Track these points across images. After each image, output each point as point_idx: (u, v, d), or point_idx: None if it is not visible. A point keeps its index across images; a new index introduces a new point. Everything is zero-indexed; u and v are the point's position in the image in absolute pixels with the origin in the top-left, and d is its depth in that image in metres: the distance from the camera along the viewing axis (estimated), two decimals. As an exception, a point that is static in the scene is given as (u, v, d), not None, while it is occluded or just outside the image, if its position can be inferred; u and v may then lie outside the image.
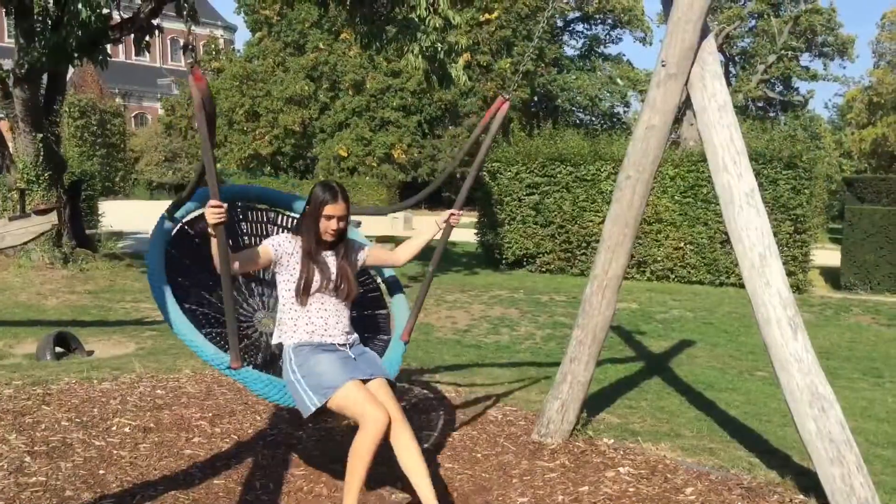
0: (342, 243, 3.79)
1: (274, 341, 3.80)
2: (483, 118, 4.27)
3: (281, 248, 3.69)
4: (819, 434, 3.81)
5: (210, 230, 3.30)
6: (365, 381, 3.54)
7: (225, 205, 3.28)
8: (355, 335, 3.83)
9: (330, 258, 3.74)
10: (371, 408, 3.36)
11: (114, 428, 4.81)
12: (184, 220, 4.08)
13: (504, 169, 16.01)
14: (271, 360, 4.04)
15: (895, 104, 35.07)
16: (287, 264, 3.70)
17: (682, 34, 4.15)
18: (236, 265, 3.56)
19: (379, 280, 4.60)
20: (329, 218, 3.64)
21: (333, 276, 3.70)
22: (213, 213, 3.25)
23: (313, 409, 3.45)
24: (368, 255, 4.02)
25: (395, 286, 4.50)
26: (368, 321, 4.37)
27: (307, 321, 3.68)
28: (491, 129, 4.26)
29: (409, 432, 3.48)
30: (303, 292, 3.65)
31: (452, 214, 4.19)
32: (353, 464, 3.36)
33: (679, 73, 4.22)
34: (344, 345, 3.71)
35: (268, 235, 4.33)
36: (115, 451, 4.41)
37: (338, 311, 3.73)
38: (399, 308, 4.39)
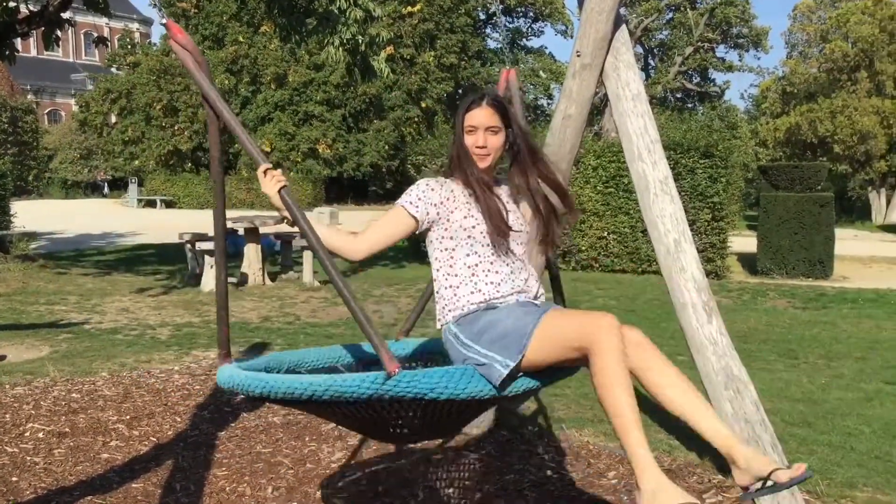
0: (513, 173, 2.84)
1: (439, 324, 2.77)
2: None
3: (425, 202, 2.72)
4: (735, 415, 3.90)
5: (275, 203, 2.56)
6: None
7: (274, 168, 2.57)
8: (536, 290, 2.80)
9: (502, 195, 2.81)
10: (591, 315, 2.43)
11: (27, 434, 4.66)
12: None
13: (429, 162, 16.01)
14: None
15: (807, 93, 36.21)
16: (441, 217, 2.73)
17: (595, 24, 4.19)
18: (359, 245, 2.72)
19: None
20: (471, 131, 2.72)
21: (513, 216, 2.78)
22: (272, 177, 2.55)
23: (505, 372, 2.46)
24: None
25: None
26: None
27: (471, 286, 2.69)
28: (515, 100, 3.35)
29: (659, 354, 2.57)
30: (461, 244, 2.72)
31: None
32: (611, 399, 2.36)
33: (594, 63, 4.26)
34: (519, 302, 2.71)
35: None
36: (28, 458, 4.27)
37: (512, 270, 2.74)
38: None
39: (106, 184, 48.89)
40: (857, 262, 17.23)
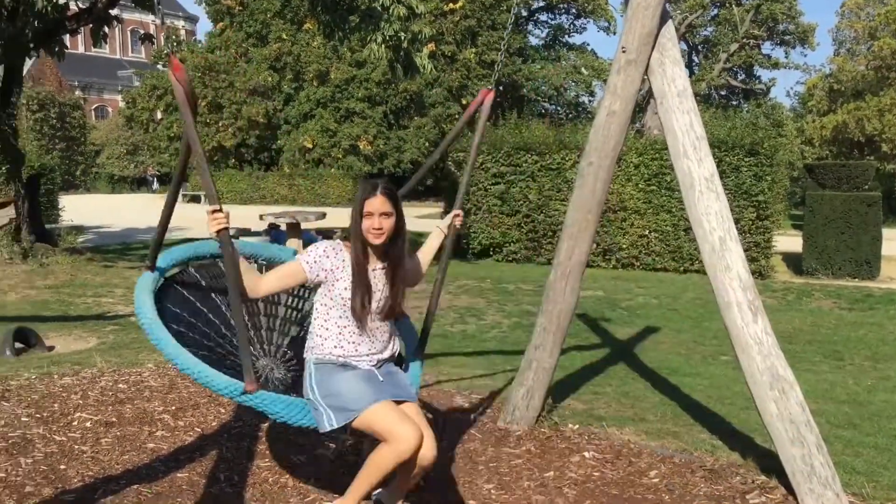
0: (398, 251, 3.31)
1: (305, 354, 3.39)
2: (468, 109, 4.12)
3: (318, 266, 3.24)
4: (780, 416, 3.86)
5: (215, 237, 3.11)
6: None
7: (226, 210, 3.09)
8: (387, 353, 3.39)
9: (377, 270, 3.30)
10: (404, 427, 3.03)
11: (75, 423, 4.75)
12: (166, 277, 3.79)
13: (467, 158, 15.98)
14: (289, 375, 3.90)
15: (855, 91, 35.55)
16: (328, 280, 3.27)
17: (641, 20, 4.16)
18: (260, 286, 3.26)
19: None
20: (368, 216, 3.19)
21: (376, 291, 3.28)
22: (214, 218, 3.06)
23: (329, 429, 3.16)
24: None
25: None
26: None
27: (336, 342, 3.27)
28: (479, 122, 4.10)
29: (431, 459, 3.15)
30: (333, 308, 3.27)
31: (456, 216, 3.90)
32: (368, 471, 3.10)
33: (639, 59, 4.23)
34: (373, 366, 3.32)
35: None
36: (76, 447, 4.36)
37: (373, 333, 3.31)
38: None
39: (155, 179, 49.49)
40: (905, 263, 16.88)
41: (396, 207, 3.24)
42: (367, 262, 3.25)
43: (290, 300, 4.28)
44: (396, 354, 3.48)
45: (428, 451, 3.09)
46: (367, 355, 3.28)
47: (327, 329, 3.28)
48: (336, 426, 3.14)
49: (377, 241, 3.21)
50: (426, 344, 3.96)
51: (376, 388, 3.19)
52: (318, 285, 3.29)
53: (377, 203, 3.18)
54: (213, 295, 3.99)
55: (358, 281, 3.21)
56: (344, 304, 3.24)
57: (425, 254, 3.78)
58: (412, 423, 3.08)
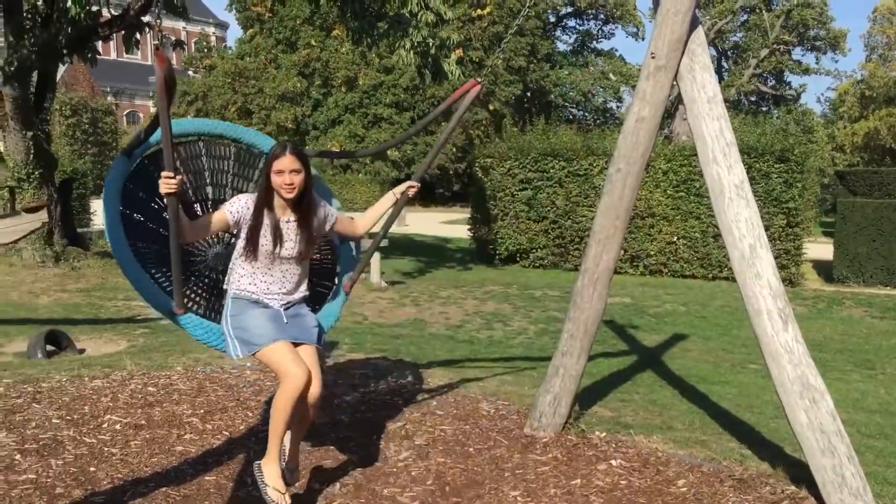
0: (306, 204, 3.70)
1: (224, 285, 3.82)
2: (452, 96, 4.33)
3: (239, 214, 3.65)
4: (810, 425, 3.81)
5: (164, 200, 3.37)
6: (296, 345, 3.62)
7: (178, 176, 3.34)
8: (298, 295, 3.80)
9: (290, 221, 3.69)
10: (294, 367, 3.46)
11: (105, 425, 4.80)
12: (144, 156, 4.05)
13: (497, 164, 15.99)
14: (217, 302, 4.14)
15: (887, 98, 35.14)
16: (244, 225, 3.68)
17: (671, 25, 4.14)
18: (191, 232, 3.62)
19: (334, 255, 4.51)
20: (279, 173, 3.56)
21: (287, 240, 3.66)
22: (166, 183, 3.32)
23: (236, 358, 3.61)
24: (337, 222, 3.95)
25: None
26: (313, 290, 4.18)
27: (251, 280, 3.68)
28: (459, 110, 4.31)
29: (317, 395, 3.60)
30: (250, 251, 3.65)
31: (410, 186, 4.18)
32: (273, 419, 3.50)
33: (668, 64, 4.21)
34: (282, 306, 3.71)
35: (227, 172, 4.43)
36: (105, 449, 4.40)
37: (284, 274, 3.72)
38: (345, 259, 4.36)
39: None
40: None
41: (304, 165, 3.61)
42: (278, 213, 3.64)
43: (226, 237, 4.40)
44: (307, 297, 3.86)
45: (315, 389, 3.56)
46: (278, 294, 3.70)
47: (243, 267, 3.69)
48: (241, 356, 3.59)
49: (290, 196, 3.60)
50: (353, 284, 4.28)
51: (279, 328, 3.61)
52: (240, 230, 3.69)
53: (287, 161, 3.55)
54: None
55: (259, 221, 3.61)
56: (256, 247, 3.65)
57: (374, 211, 4.15)
58: (302, 363, 3.50)
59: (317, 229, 3.81)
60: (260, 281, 3.69)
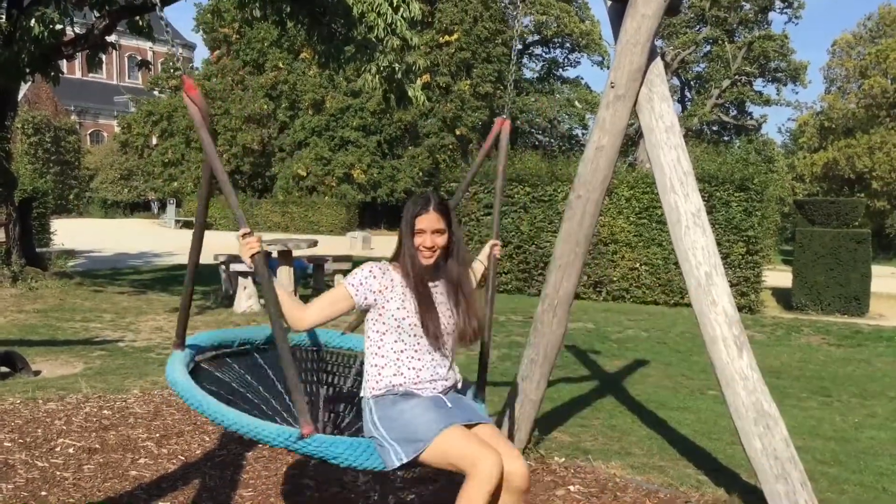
0: (451, 268, 3.07)
1: (362, 394, 3.14)
2: (487, 140, 4.01)
3: (364, 288, 2.99)
4: (764, 451, 3.86)
5: (248, 265, 2.87)
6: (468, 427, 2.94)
7: (257, 234, 2.88)
8: (453, 381, 3.12)
9: (436, 290, 3.07)
10: (479, 450, 2.75)
11: (58, 449, 4.72)
12: (198, 359, 3.49)
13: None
14: (342, 416, 3.69)
15: (846, 129, 35.92)
16: (377, 303, 3.02)
17: (630, 56, 4.21)
18: (305, 316, 2.99)
19: None
20: (420, 233, 2.97)
21: (440, 314, 3.03)
22: (247, 244, 2.85)
23: (398, 464, 2.85)
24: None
25: None
26: None
27: (395, 370, 3.00)
28: (501, 152, 3.99)
29: (524, 474, 2.85)
30: (427, 334, 2.99)
31: (494, 245, 3.66)
32: None
33: (627, 94, 4.28)
34: (439, 392, 3.05)
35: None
36: (58, 473, 4.32)
37: (434, 359, 3.04)
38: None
39: (156, 203, 48.95)
40: (893, 300, 16.94)
41: (448, 223, 3.01)
42: (422, 279, 3.02)
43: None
44: (459, 384, 3.19)
45: (517, 469, 2.82)
46: (430, 381, 3.01)
47: (383, 357, 3.03)
48: (406, 460, 2.84)
49: (427, 262, 3.00)
50: (485, 383, 3.64)
51: (445, 413, 2.92)
52: (366, 311, 3.06)
53: (430, 220, 2.97)
54: (249, 378, 3.62)
55: (422, 300, 2.98)
56: (398, 327, 3.00)
57: (478, 276, 3.63)
58: (487, 446, 2.79)
59: (468, 293, 3.13)
60: (406, 368, 2.99)
